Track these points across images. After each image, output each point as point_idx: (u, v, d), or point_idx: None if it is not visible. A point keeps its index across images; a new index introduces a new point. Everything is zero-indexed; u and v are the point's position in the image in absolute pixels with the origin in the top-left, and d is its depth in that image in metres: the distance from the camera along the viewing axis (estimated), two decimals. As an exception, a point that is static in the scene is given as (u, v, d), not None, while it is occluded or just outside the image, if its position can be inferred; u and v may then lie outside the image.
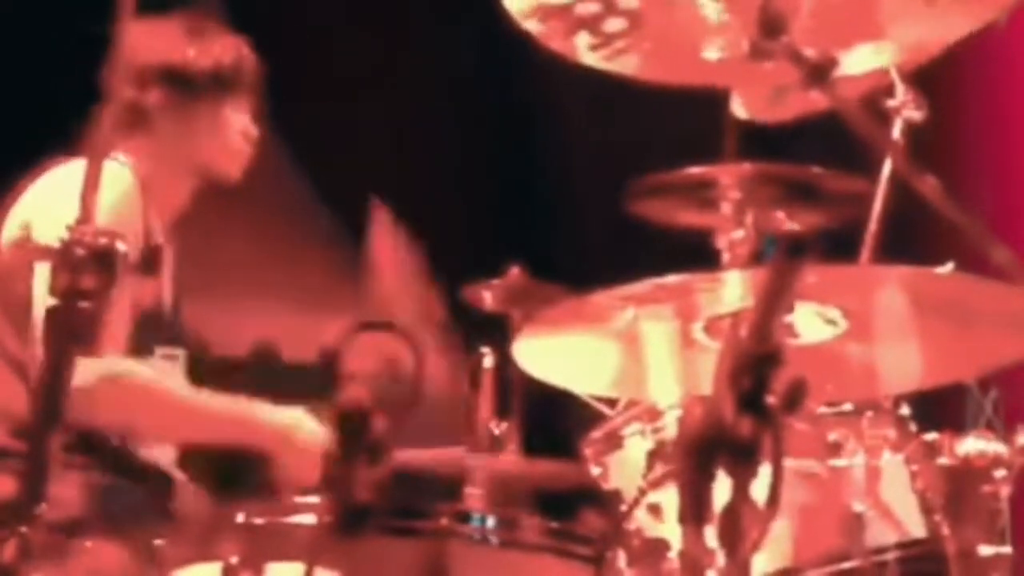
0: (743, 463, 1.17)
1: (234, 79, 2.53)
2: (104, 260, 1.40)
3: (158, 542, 1.78)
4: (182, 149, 2.49)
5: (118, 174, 2.37)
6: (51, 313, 1.40)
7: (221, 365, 2.71)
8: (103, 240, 1.41)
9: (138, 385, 2.30)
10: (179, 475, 2.41)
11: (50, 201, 2.33)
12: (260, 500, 1.92)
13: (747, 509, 1.17)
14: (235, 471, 2.44)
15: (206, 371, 2.45)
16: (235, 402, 2.36)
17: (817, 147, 2.16)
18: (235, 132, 2.54)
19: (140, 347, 2.37)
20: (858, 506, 1.97)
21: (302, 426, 2.31)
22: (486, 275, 3.03)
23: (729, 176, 2.23)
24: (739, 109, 2.24)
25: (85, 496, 2.18)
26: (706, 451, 1.18)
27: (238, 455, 2.40)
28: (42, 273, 2.18)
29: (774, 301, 1.18)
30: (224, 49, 2.53)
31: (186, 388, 2.36)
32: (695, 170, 1.88)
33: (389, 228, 2.46)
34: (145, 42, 2.44)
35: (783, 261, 1.17)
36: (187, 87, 2.47)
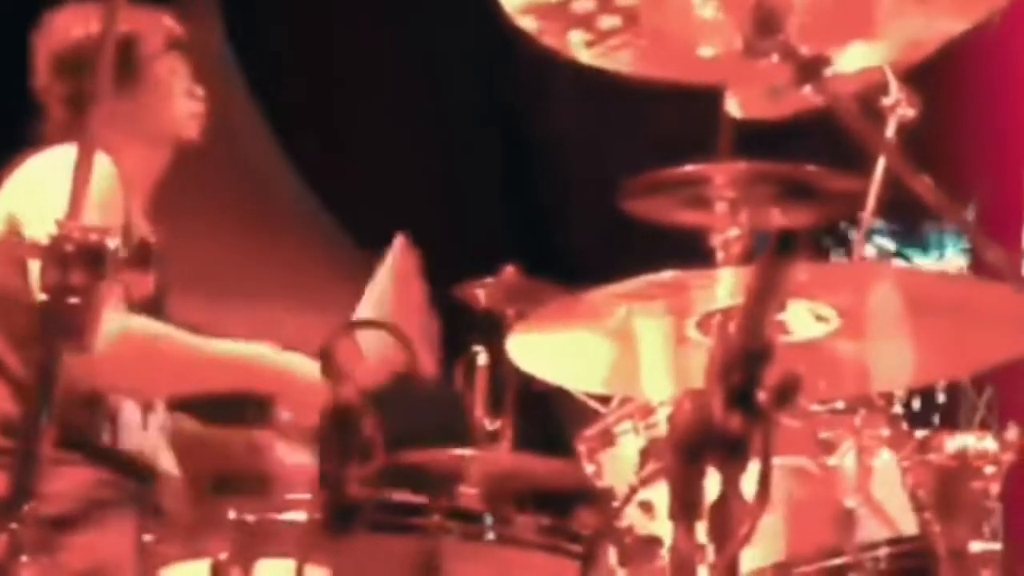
0: (732, 458, 1.16)
1: (164, 46, 2.53)
2: (94, 256, 1.40)
3: (147, 539, 1.78)
4: (136, 124, 2.49)
5: (101, 164, 2.37)
6: (41, 309, 1.40)
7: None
8: (93, 236, 1.40)
9: (148, 336, 2.29)
10: (169, 471, 2.40)
11: (36, 194, 2.32)
12: (251, 497, 1.91)
13: (737, 504, 1.17)
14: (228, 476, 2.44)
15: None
16: (237, 346, 2.36)
17: (811, 145, 2.16)
18: (180, 94, 2.56)
19: None
20: (850, 503, 1.97)
21: (304, 366, 2.32)
22: (480, 273, 3.03)
23: (723, 174, 2.23)
24: (734, 107, 2.24)
25: (75, 493, 2.18)
26: (696, 447, 1.18)
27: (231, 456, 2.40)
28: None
29: (764, 297, 1.18)
30: (151, 20, 2.54)
31: (189, 335, 2.36)
32: (689, 168, 1.88)
33: (409, 263, 2.47)
34: (71, 25, 2.45)
35: (773, 257, 1.17)
36: (124, 60, 2.47)
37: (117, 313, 2.25)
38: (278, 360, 2.35)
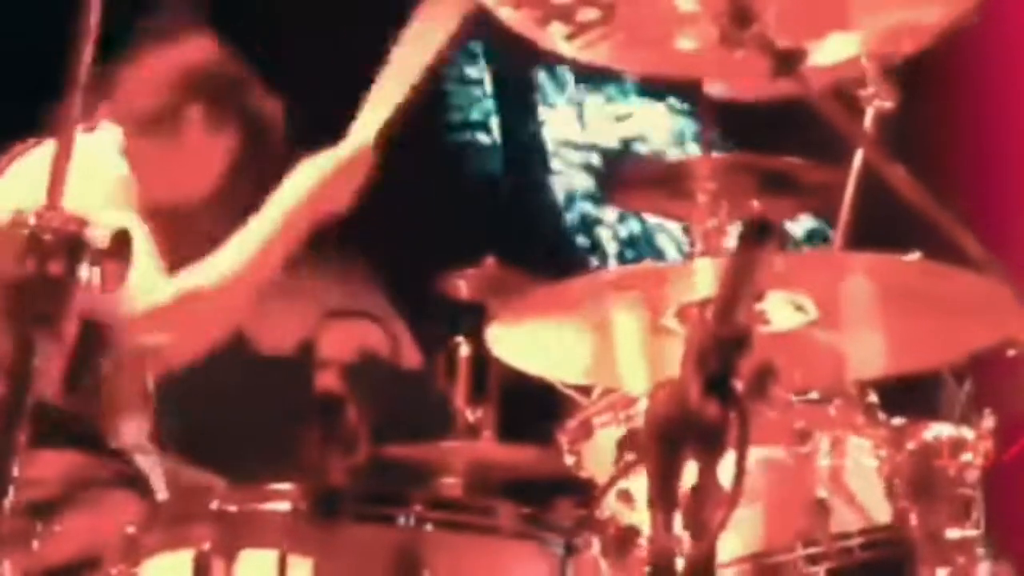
0: (709, 447, 1.17)
1: (228, 83, 2.51)
2: (72, 245, 1.40)
3: (130, 528, 1.78)
4: (156, 171, 2.43)
5: (114, 165, 2.37)
6: (18, 296, 1.40)
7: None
8: (72, 226, 1.40)
9: (197, 289, 2.25)
10: (152, 459, 2.40)
11: (24, 186, 2.32)
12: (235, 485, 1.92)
13: (713, 493, 1.18)
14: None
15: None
16: (260, 225, 2.30)
17: (791, 137, 2.17)
18: (217, 159, 2.50)
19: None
20: (823, 492, 1.99)
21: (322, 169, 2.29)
22: (461, 264, 3.04)
23: (704, 167, 2.24)
24: (714, 88, 2.25)
25: (58, 479, 2.18)
26: (673, 435, 1.19)
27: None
28: None
29: (740, 284, 1.19)
30: (219, 52, 2.52)
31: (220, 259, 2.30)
32: (671, 161, 1.89)
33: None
34: (193, 50, 2.43)
35: (748, 244, 1.18)
36: (215, 96, 2.46)
37: (160, 278, 2.21)
38: (302, 192, 2.29)
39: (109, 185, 2.31)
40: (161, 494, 2.32)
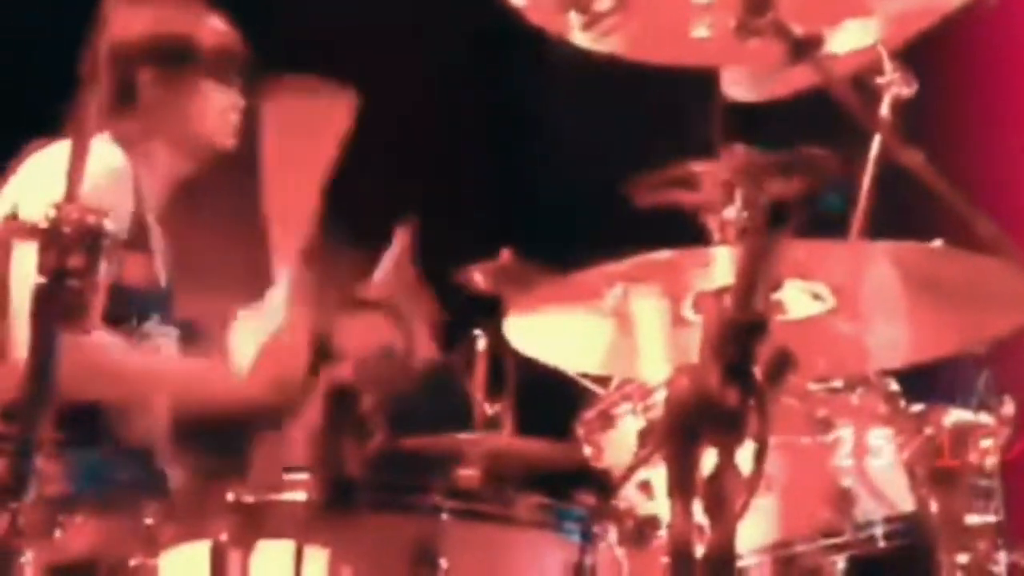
0: (729, 433, 1.17)
1: (218, 55, 2.53)
2: (91, 238, 1.40)
3: (148, 520, 1.78)
4: (172, 124, 2.49)
5: (106, 153, 2.37)
6: (39, 292, 1.40)
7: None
8: (90, 219, 1.41)
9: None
10: (169, 453, 2.41)
11: (37, 182, 2.33)
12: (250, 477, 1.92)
13: (732, 480, 1.17)
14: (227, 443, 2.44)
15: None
16: (153, 359, 2.36)
17: (806, 124, 2.16)
18: (223, 105, 2.54)
19: (132, 323, 2.37)
20: (847, 481, 1.98)
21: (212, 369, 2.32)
22: (478, 257, 3.04)
23: (721, 167, 2.23)
24: (729, 89, 2.24)
25: (76, 473, 2.18)
26: (692, 422, 1.18)
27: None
28: (22, 253, 2.18)
29: (757, 270, 1.18)
30: (209, 25, 2.53)
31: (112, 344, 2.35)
32: (692, 165, 1.88)
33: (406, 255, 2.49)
34: (131, 19, 2.45)
35: (765, 230, 1.17)
36: (175, 63, 2.47)
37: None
38: (188, 369, 2.35)
39: (103, 179, 2.32)
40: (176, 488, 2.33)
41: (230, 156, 2.57)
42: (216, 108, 2.53)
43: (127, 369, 2.34)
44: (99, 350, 2.27)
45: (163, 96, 2.47)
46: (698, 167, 1.75)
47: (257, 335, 2.33)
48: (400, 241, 2.54)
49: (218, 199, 2.59)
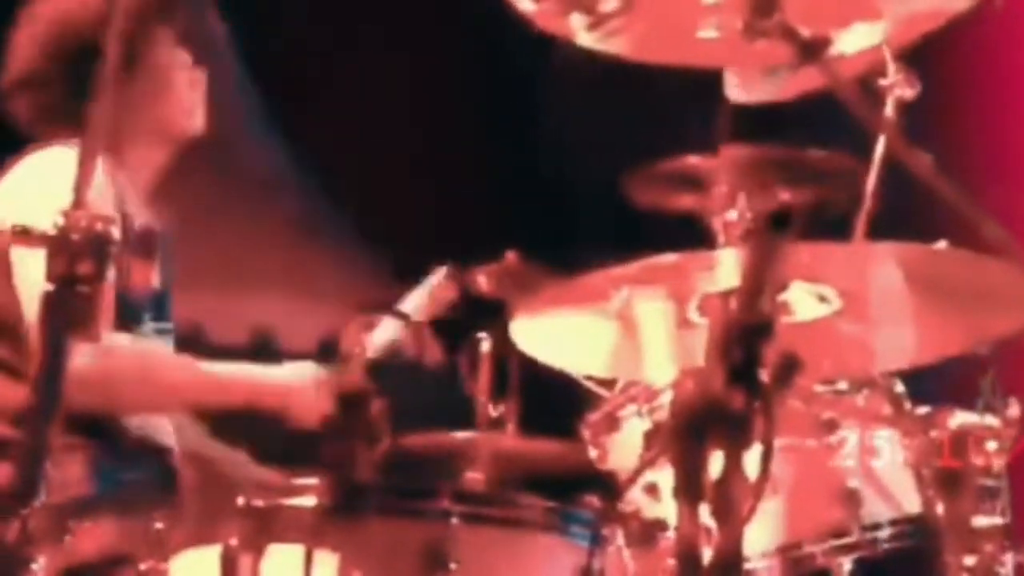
0: (735, 436, 1.17)
1: (160, 27, 2.44)
2: (99, 245, 1.41)
3: (158, 524, 1.79)
4: (140, 114, 2.42)
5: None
6: (47, 299, 1.41)
7: (218, 352, 2.72)
8: (98, 225, 1.41)
9: (134, 354, 2.29)
10: (180, 457, 2.41)
11: (27, 189, 2.30)
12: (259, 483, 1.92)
13: (739, 483, 1.17)
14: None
15: (202, 358, 2.46)
16: (226, 367, 2.36)
17: (811, 126, 2.16)
18: (183, 84, 2.48)
19: (132, 327, 2.36)
20: (853, 482, 1.98)
21: (294, 378, 2.32)
22: (483, 260, 3.04)
23: (723, 163, 2.23)
24: (733, 91, 2.25)
25: (87, 478, 2.19)
26: (698, 425, 1.19)
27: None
28: (26, 261, 2.16)
29: (761, 273, 1.19)
30: None
31: (175, 356, 2.36)
32: (692, 159, 1.88)
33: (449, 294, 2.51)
34: (57, 15, 2.37)
35: (770, 233, 1.18)
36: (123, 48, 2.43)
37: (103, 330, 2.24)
38: (267, 377, 2.35)
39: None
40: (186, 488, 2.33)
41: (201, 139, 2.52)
42: (182, 87, 2.46)
43: (193, 383, 2.33)
44: (162, 367, 2.27)
45: (132, 81, 2.37)
46: (698, 160, 1.76)
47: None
48: (442, 284, 2.53)
49: (199, 184, 2.58)
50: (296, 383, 2.31)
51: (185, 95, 2.50)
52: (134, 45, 2.39)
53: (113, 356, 2.22)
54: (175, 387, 2.33)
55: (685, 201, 2.33)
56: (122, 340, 2.29)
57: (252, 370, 2.38)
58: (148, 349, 2.34)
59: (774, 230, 1.18)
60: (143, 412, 2.37)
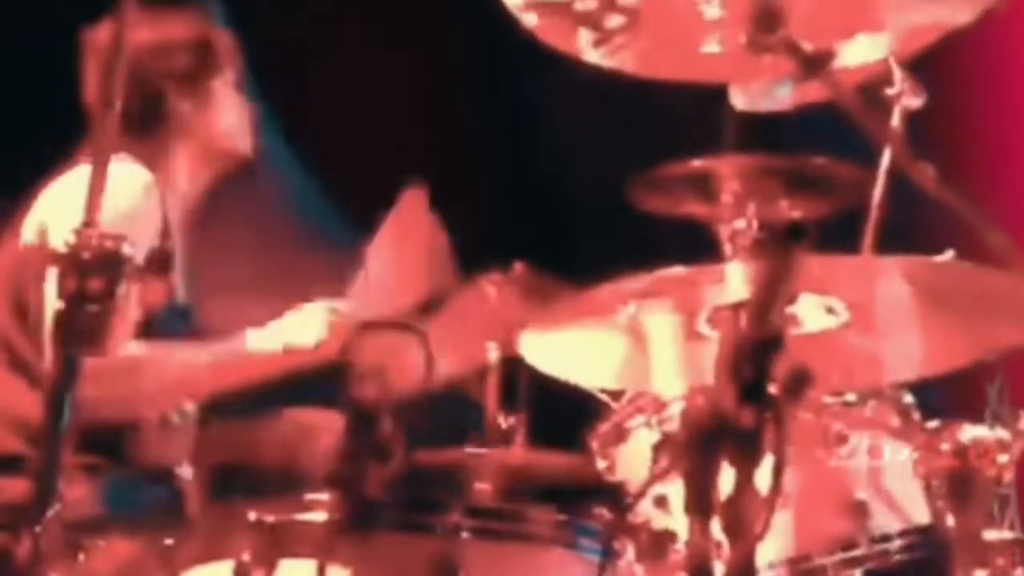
0: (746, 452, 1.18)
1: (230, 57, 2.54)
2: (111, 263, 1.42)
3: (169, 541, 1.79)
4: (197, 135, 2.50)
5: (133, 174, 2.38)
6: (58, 317, 1.42)
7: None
8: (109, 243, 1.42)
9: (131, 357, 2.30)
10: (190, 474, 2.42)
11: (65, 205, 2.33)
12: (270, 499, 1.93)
13: (751, 498, 1.18)
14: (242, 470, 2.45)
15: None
16: (227, 344, 2.37)
17: (817, 137, 2.16)
18: (238, 109, 2.55)
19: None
20: (862, 494, 1.98)
21: (301, 329, 2.34)
22: (484, 268, 3.04)
23: (729, 168, 2.23)
24: (739, 100, 2.25)
25: (97, 496, 2.19)
26: (709, 441, 1.19)
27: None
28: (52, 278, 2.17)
29: (773, 287, 1.19)
30: (215, 29, 2.55)
31: (175, 349, 2.36)
32: (696, 163, 1.88)
33: (417, 212, 2.51)
34: (142, 33, 2.42)
35: (782, 247, 1.18)
36: (198, 71, 2.48)
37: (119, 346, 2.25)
38: (272, 338, 2.38)
39: (139, 196, 2.33)
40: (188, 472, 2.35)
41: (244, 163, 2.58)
42: (234, 113, 2.54)
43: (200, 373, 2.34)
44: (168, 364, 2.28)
45: (188, 107, 2.47)
46: (704, 164, 1.76)
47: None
48: (408, 204, 2.54)
49: (235, 207, 2.61)
50: (300, 337, 2.32)
51: (235, 116, 2.54)
52: (204, 68, 2.48)
53: (127, 352, 2.24)
54: (192, 369, 2.34)
55: (691, 207, 2.34)
56: (136, 347, 2.31)
57: (261, 337, 2.37)
58: (160, 344, 2.36)
59: (789, 243, 1.18)
60: (167, 399, 2.38)
